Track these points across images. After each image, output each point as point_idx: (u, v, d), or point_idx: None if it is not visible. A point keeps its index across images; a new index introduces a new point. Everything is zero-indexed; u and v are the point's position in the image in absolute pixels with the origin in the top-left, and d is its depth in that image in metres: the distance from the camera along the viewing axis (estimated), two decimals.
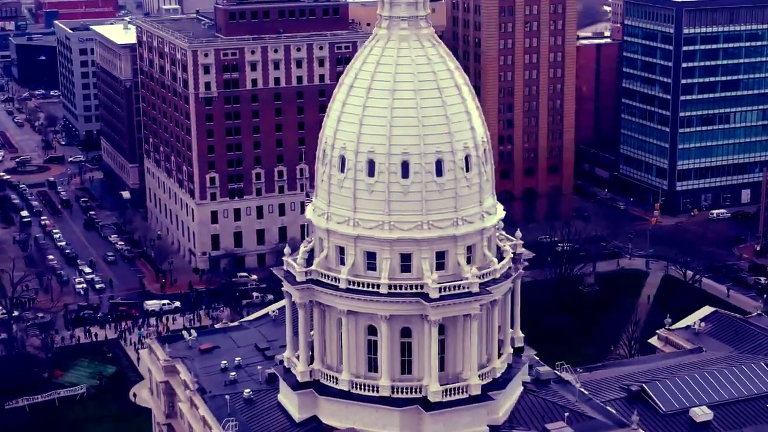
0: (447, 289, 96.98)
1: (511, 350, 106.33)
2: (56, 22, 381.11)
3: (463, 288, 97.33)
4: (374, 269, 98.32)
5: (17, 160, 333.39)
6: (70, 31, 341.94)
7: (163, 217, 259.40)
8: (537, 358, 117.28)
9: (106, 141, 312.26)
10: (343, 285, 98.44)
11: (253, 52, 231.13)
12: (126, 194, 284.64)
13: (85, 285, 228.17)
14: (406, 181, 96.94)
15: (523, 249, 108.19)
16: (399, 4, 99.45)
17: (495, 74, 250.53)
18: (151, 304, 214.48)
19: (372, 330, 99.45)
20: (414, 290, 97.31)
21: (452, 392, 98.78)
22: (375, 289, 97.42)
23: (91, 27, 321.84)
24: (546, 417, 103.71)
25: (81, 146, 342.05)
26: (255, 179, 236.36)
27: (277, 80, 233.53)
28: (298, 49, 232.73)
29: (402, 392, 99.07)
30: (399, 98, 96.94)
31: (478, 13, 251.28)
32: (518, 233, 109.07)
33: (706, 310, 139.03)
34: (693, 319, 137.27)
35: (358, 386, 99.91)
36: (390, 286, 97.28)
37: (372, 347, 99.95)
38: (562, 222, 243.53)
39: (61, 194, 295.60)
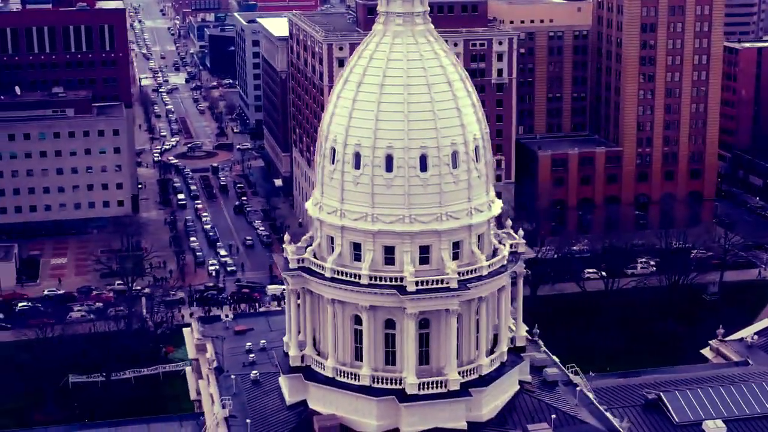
0: (426, 284, 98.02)
1: (505, 349, 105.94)
2: (235, 14, 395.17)
3: (442, 283, 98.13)
4: (359, 260, 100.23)
5: (189, 145, 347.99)
6: (245, 24, 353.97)
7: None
8: (556, 358, 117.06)
9: (267, 130, 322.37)
10: (328, 274, 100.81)
11: None
12: (278, 182, 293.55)
13: (217, 267, 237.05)
14: (389, 175, 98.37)
15: (525, 248, 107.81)
16: (395, 0, 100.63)
17: (635, 75, 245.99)
18: (272, 289, 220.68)
19: (358, 320, 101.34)
20: (394, 282, 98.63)
21: (430, 386, 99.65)
22: (357, 280, 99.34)
23: (257, 19, 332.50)
24: (536, 418, 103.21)
25: (250, 134, 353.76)
26: None
27: None
28: None
29: (382, 382, 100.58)
30: (387, 93, 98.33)
31: (621, 12, 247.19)
32: (520, 232, 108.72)
33: (765, 323, 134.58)
34: (750, 331, 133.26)
35: (343, 374, 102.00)
36: (371, 278, 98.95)
37: (359, 336, 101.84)
38: (701, 228, 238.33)
39: (220, 180, 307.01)
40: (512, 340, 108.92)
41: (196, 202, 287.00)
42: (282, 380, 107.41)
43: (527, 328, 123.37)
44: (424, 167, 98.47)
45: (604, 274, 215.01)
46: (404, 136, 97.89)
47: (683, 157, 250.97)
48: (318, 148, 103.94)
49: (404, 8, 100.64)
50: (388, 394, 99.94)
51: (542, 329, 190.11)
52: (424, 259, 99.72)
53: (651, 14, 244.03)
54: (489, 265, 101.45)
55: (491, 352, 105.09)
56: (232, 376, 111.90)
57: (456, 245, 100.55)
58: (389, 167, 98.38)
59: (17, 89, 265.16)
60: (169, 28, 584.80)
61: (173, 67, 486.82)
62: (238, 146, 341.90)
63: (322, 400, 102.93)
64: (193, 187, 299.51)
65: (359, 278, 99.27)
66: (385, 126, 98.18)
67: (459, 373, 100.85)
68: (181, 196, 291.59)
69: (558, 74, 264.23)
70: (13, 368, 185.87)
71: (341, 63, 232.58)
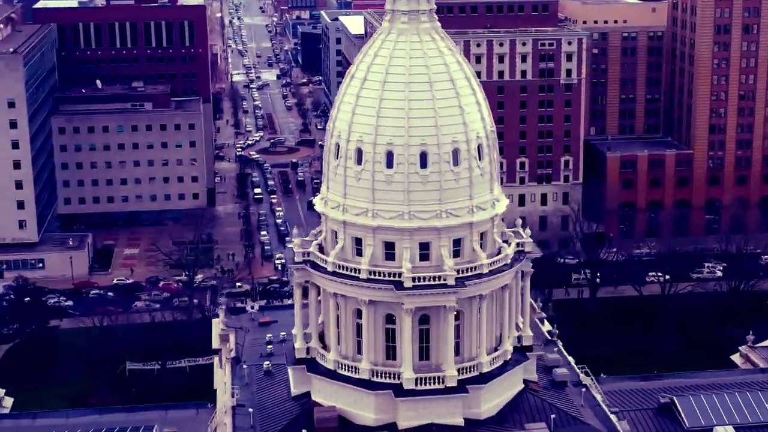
0: (424, 280, 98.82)
1: (509, 347, 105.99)
2: (321, 11, 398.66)
3: (440, 280, 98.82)
4: (361, 255, 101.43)
5: (271, 140, 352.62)
6: (330, 21, 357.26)
7: None
8: (571, 359, 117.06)
9: None
10: (330, 268, 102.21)
11: (478, 45, 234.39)
12: None
13: (284, 260, 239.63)
14: (389, 171, 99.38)
15: (532, 248, 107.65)
16: None
17: (708, 77, 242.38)
18: None
19: (360, 314, 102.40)
20: (392, 278, 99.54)
21: (428, 381, 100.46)
22: (356, 274, 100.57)
23: (339, 18, 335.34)
24: (537, 418, 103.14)
25: None
26: None
27: (478, 74, 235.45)
28: (501, 44, 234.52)
29: (381, 377, 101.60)
30: (389, 90, 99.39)
31: (694, 14, 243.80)
32: (528, 231, 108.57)
33: None
34: None
35: (344, 367, 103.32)
36: (371, 272, 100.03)
37: (361, 330, 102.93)
38: None
39: (298, 176, 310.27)
40: (519, 339, 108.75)
41: (272, 196, 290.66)
42: (289, 371, 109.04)
43: (549, 329, 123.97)
44: (424, 164, 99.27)
45: (662, 277, 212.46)
46: (404, 132, 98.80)
47: (756, 162, 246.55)
48: (326, 143, 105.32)
49: (409, 6, 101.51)
50: (386, 388, 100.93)
51: (599, 331, 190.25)
52: (425, 256, 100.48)
53: (725, 15, 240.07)
54: (490, 264, 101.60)
55: (495, 350, 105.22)
56: (245, 366, 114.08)
57: (456, 242, 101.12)
58: (390, 163, 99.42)
59: (98, 83, 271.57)
60: (266, 26, 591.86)
61: (267, 63, 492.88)
62: (320, 143, 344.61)
63: (324, 392, 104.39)
64: (270, 182, 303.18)
65: (359, 273, 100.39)
66: (386, 122, 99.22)
67: (459, 370, 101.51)
68: (257, 190, 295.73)
69: (631, 75, 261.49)
70: (75, 354, 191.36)
71: None
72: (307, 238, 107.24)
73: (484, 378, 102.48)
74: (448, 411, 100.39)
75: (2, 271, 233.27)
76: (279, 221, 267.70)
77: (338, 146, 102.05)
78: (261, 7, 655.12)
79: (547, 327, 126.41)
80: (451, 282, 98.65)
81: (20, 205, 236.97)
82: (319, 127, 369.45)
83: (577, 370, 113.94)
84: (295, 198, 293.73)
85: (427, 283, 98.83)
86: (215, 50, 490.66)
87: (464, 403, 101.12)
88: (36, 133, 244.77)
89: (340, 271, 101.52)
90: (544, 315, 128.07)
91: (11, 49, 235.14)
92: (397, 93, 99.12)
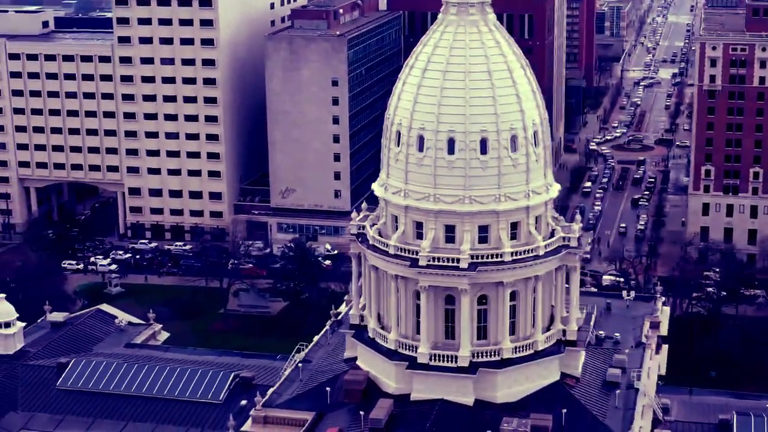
0: (439, 260, 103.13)
1: (540, 338, 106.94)
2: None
3: (456, 262, 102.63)
4: (396, 231, 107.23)
5: (630, 137, 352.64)
6: None
7: None
8: (651, 364, 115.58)
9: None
10: (370, 241, 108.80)
11: (764, 50, 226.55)
12: (686, 180, 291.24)
13: None
14: (420, 154, 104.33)
15: (578, 243, 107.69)
16: None
17: None
18: (607, 279, 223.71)
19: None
20: (413, 255, 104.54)
21: (443, 359, 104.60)
22: (386, 248, 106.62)
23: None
24: (553, 410, 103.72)
25: None
26: (752, 178, 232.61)
27: (762, 80, 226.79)
28: (764, 50, 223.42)
29: (408, 349, 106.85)
30: (428, 77, 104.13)
31: None
32: (575, 225, 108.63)
33: None
34: None
35: (380, 336, 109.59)
36: (398, 249, 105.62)
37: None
38: None
39: (638, 173, 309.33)
40: (563, 333, 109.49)
41: (597, 190, 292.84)
42: None
43: (659, 333, 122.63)
44: (451, 150, 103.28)
45: None
46: (435, 119, 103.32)
47: None
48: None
49: None
50: (405, 359, 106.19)
51: None
52: (450, 238, 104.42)
53: None
54: (513, 253, 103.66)
55: (526, 338, 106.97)
56: (328, 328, 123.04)
57: (483, 229, 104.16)
58: (420, 147, 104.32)
59: None
60: (687, 24, 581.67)
61: (670, 61, 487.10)
62: (677, 143, 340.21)
63: (364, 358, 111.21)
64: (604, 179, 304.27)
65: (389, 248, 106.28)
66: (420, 108, 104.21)
67: (480, 353, 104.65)
68: (587, 184, 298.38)
69: None
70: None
71: (713, 63, 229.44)
72: (367, 214, 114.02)
73: (503, 363, 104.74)
74: (458, 390, 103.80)
75: (318, 235, 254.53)
76: (590, 215, 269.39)
77: (384, 129, 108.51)
78: (692, 6, 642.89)
79: (661, 332, 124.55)
80: (463, 266, 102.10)
81: (336, 176, 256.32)
82: (685, 128, 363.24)
83: (638, 375, 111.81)
84: (624, 195, 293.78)
85: (441, 263, 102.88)
86: (624, 46, 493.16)
87: (477, 384, 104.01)
88: (363, 111, 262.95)
89: (378, 245, 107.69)
90: (659, 319, 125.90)
91: (337, 33, 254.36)
92: (433, 80, 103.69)
